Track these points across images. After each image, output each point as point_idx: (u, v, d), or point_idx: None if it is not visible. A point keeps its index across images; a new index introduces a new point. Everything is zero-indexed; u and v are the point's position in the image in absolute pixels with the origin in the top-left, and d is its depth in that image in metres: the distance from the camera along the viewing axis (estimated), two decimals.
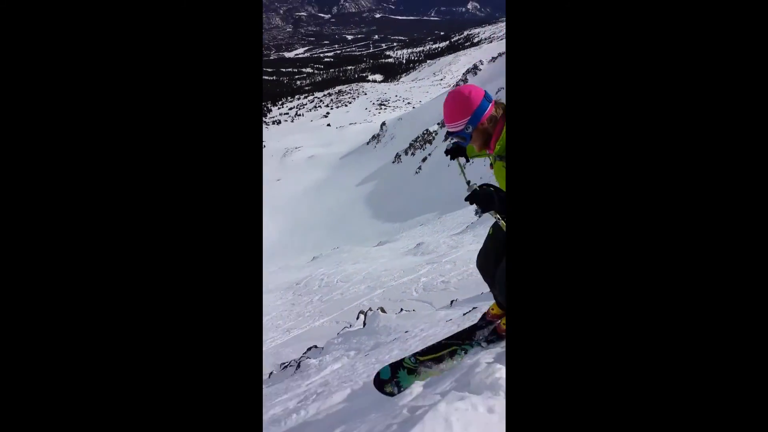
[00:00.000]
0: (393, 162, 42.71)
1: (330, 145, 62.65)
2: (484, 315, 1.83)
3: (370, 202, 44.31)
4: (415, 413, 1.39)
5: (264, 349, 8.57)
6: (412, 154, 40.97)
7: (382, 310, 5.67)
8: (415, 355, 1.77)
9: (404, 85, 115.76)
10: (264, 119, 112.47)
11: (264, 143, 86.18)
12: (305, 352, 5.27)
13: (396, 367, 1.76)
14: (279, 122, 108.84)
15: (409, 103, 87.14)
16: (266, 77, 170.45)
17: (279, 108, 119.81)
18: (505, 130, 1.17)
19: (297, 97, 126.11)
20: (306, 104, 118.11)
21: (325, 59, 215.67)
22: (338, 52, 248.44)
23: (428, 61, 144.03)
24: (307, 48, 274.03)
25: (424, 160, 38.31)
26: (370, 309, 6.28)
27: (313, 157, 60.13)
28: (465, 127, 1.24)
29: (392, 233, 24.61)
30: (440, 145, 38.07)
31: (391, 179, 39.14)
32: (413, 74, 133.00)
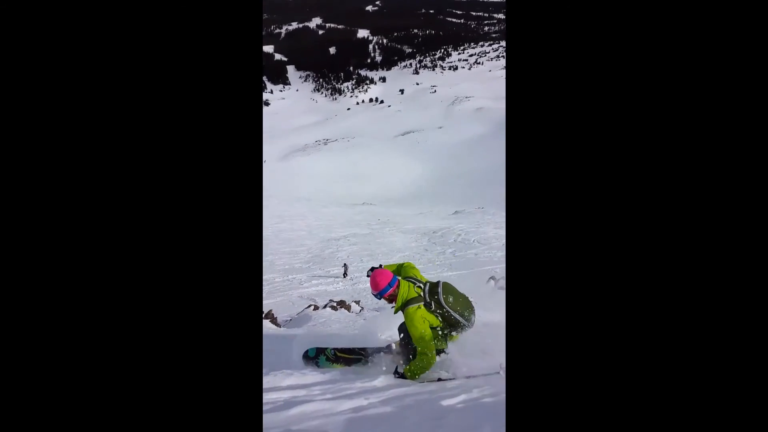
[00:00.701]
0: None
1: (503, 100, 59.09)
2: (389, 345, 2.48)
3: None
4: None
5: None
6: None
7: None
8: (335, 349, 2.41)
9: None
10: (441, 63, 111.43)
11: (434, 88, 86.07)
12: None
13: (320, 351, 2.41)
14: (455, 68, 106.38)
15: None
16: (453, 19, 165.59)
17: (459, 54, 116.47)
18: (397, 300, 2.13)
19: (481, 44, 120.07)
20: (489, 52, 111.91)
21: None
22: None
23: None
24: None
25: None
26: (503, 278, 5.75)
27: (481, 109, 57.83)
28: (377, 295, 2.19)
29: None
30: None
31: None
32: None
